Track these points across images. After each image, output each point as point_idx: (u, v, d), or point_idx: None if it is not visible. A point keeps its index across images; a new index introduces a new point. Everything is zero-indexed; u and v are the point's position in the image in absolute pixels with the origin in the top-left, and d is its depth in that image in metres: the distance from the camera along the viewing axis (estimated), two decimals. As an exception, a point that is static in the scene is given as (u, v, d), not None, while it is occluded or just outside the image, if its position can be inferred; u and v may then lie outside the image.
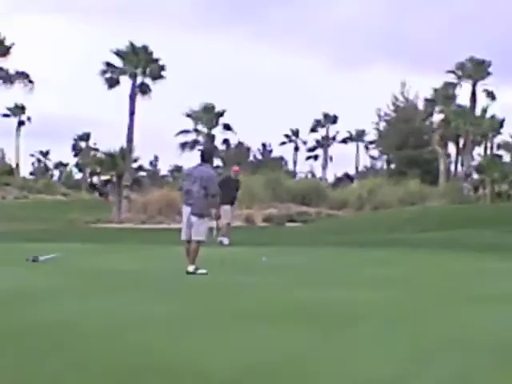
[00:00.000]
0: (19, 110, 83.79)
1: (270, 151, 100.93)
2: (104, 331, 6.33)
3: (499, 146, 66.33)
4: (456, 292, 9.80)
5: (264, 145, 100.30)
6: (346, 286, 10.21)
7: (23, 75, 40.44)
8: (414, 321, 7.28)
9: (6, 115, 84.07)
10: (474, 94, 54.59)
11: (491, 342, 6.16)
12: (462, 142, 59.63)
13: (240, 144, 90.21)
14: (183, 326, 6.65)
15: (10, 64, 40.39)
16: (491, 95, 55.43)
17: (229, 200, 19.34)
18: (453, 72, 54.74)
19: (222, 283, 10.46)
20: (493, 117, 61.27)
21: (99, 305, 7.93)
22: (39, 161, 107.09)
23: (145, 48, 47.97)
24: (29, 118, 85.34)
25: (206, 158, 12.17)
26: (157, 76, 47.95)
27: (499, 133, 65.24)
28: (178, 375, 4.79)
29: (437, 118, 60.34)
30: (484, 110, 58.20)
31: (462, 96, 56.72)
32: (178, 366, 5.06)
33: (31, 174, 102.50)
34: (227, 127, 60.86)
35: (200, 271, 11.54)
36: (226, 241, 19.21)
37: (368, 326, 6.88)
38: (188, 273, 11.51)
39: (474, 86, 54.22)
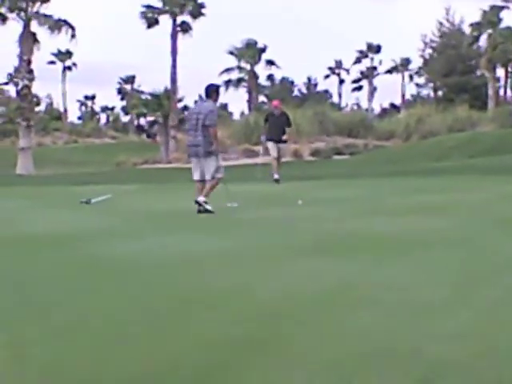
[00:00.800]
0: (65, 55, 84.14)
1: (315, 85, 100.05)
2: (157, 267, 6.45)
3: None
4: (505, 216, 9.74)
5: (309, 79, 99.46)
6: (395, 215, 10.21)
7: (65, 23, 40.41)
8: (465, 246, 7.27)
9: (51, 62, 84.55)
10: (521, 15, 53.06)
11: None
12: (510, 65, 58.25)
13: (284, 79, 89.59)
14: (235, 261, 6.74)
15: (51, 11, 40.35)
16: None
17: (274, 137, 18.39)
18: (500, -7, 53.18)
19: (270, 218, 10.52)
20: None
21: (152, 243, 8.08)
22: (85, 105, 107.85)
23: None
24: (74, 64, 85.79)
25: (208, 92, 11.55)
26: (196, 14, 47.66)
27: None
28: (229, 306, 4.89)
29: (484, 41, 58.95)
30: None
31: (509, 18, 55.16)
32: (229, 297, 5.16)
33: (79, 118, 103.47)
34: (271, 62, 60.47)
35: (207, 206, 11.18)
36: (275, 175, 18.19)
37: (419, 252, 6.91)
38: (196, 202, 11.20)
39: (521, 6, 52.67)
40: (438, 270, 5.97)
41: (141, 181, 22.35)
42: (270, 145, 18.54)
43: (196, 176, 11.59)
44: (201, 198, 11.21)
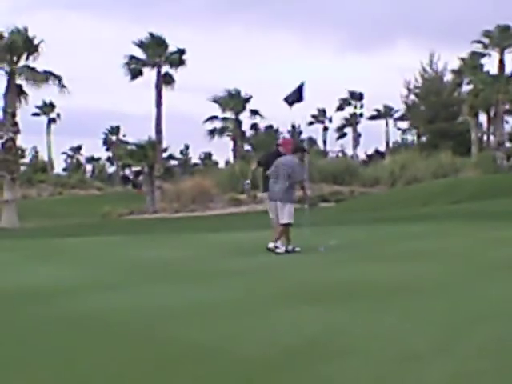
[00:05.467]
0: (49, 108, 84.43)
1: (300, 132, 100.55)
2: (142, 321, 6.39)
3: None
4: (489, 262, 9.78)
5: (293, 126, 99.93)
6: (382, 262, 10.23)
7: (51, 74, 40.57)
8: (446, 293, 7.28)
9: (35, 114, 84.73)
10: (501, 62, 53.81)
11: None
12: (492, 111, 58.92)
13: (269, 127, 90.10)
14: (222, 312, 6.70)
15: (38, 62, 40.43)
16: (520, 62, 54.44)
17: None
18: (479, 42, 53.97)
19: (258, 266, 10.49)
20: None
21: (137, 295, 8.01)
22: (71, 157, 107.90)
23: (163, 39, 48.12)
24: (58, 115, 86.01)
25: (296, 149, 12.91)
26: (178, 63, 48.02)
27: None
28: (218, 360, 4.86)
29: (466, 88, 59.68)
30: (511, 76, 57.26)
31: (490, 65, 55.91)
32: (218, 351, 5.12)
33: (64, 170, 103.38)
34: (254, 112, 60.91)
35: (278, 250, 12.00)
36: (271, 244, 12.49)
37: (406, 300, 6.91)
38: (268, 249, 12.02)
39: (501, 53, 53.41)
40: (423, 318, 5.96)
41: (127, 232, 22.27)
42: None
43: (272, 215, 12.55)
44: (270, 245, 12.09)
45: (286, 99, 13.83)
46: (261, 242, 13.22)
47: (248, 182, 13.69)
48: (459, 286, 7.77)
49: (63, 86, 40.45)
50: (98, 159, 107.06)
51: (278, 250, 11.98)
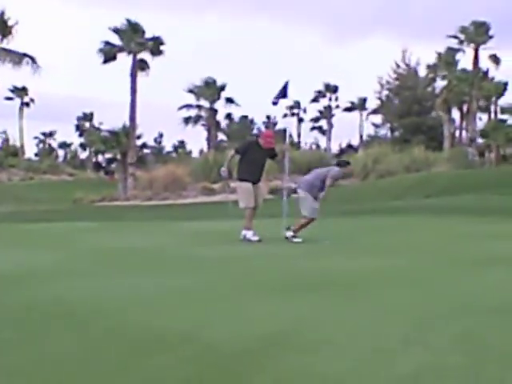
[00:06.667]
0: (22, 91, 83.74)
1: (275, 124, 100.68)
2: (110, 309, 6.34)
3: (503, 110, 65.56)
4: (460, 256, 9.84)
5: (268, 117, 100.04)
6: (351, 255, 10.25)
7: (27, 57, 40.19)
8: (418, 287, 7.31)
9: (8, 98, 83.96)
10: (476, 58, 54.20)
11: (494, 303, 6.23)
12: (465, 107, 59.38)
13: (244, 117, 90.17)
14: (193, 301, 6.68)
15: (12, 45, 40.05)
16: (495, 59, 54.81)
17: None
18: (454, 37, 54.28)
19: (225, 257, 10.48)
20: (493, 79, 61.21)
21: (106, 283, 7.95)
22: (43, 142, 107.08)
23: (139, 25, 47.84)
24: (32, 100, 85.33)
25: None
26: (156, 52, 47.83)
27: (502, 96, 64.77)
28: (190, 347, 4.85)
29: (440, 83, 60.08)
30: (485, 73, 57.77)
31: (465, 61, 56.38)
32: (186, 338, 5.11)
33: (36, 155, 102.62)
34: (230, 100, 60.84)
35: (296, 240, 12.28)
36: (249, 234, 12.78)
37: (378, 293, 6.91)
38: (285, 237, 12.35)
39: (476, 49, 53.79)
40: (395, 311, 5.98)
41: (98, 218, 22.14)
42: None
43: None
44: (287, 234, 12.46)
45: (273, 102, 13.99)
46: (233, 232, 13.21)
47: (224, 169, 13.42)
48: (430, 279, 7.81)
49: (38, 67, 40.15)
50: (70, 144, 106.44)
51: (294, 240, 12.26)
